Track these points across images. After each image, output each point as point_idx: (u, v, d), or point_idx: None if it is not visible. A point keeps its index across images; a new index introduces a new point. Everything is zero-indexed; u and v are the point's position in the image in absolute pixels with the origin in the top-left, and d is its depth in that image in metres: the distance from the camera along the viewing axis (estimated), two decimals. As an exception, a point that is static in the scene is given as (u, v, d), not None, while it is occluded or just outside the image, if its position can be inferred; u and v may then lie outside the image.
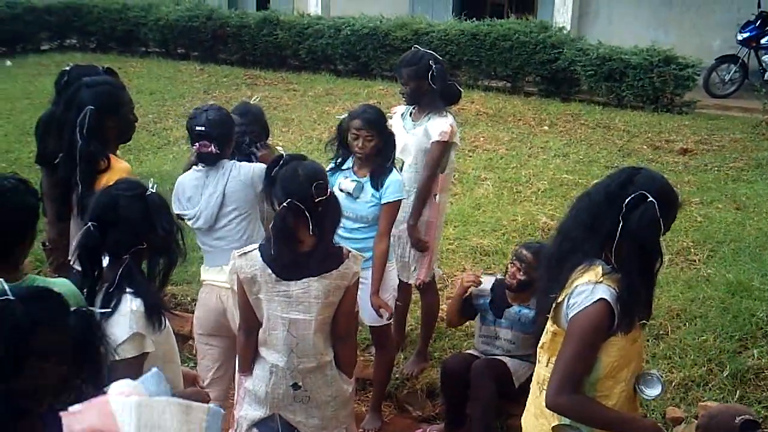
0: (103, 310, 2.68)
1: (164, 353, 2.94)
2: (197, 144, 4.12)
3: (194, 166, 4.29)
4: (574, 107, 12.22)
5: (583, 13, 16.01)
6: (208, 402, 3.24)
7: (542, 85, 13.51)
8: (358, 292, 3.75)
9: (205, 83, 14.01)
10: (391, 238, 4.61)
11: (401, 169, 4.87)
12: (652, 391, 2.92)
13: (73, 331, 2.07)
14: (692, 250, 6.56)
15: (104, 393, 1.93)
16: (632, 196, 2.69)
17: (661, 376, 2.99)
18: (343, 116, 4.59)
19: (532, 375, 3.15)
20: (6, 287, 2.03)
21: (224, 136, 4.16)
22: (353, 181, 4.45)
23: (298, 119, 11.25)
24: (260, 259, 3.40)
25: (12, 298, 2.01)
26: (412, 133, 4.98)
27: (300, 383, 3.52)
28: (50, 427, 1.90)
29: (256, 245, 3.49)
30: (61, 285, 2.71)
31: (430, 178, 4.92)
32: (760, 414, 4.31)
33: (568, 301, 2.77)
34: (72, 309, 2.12)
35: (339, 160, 4.60)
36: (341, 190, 4.41)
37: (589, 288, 2.72)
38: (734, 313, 5.34)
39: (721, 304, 5.48)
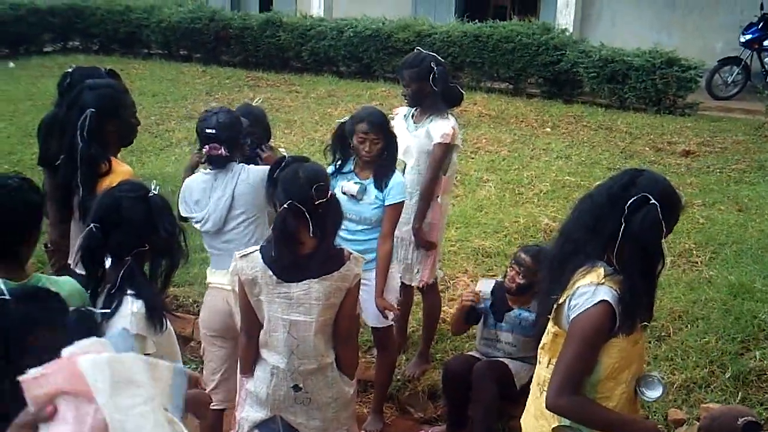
0: (103, 311, 2.68)
1: (166, 355, 2.94)
2: (207, 146, 4.11)
3: (202, 169, 4.28)
4: (576, 109, 12.23)
5: (585, 15, 16.01)
6: (210, 404, 3.27)
7: (545, 87, 13.52)
8: (361, 294, 3.75)
9: (207, 85, 14.03)
10: (394, 240, 4.60)
11: (403, 171, 4.87)
12: (653, 393, 2.92)
13: (71, 331, 2.06)
14: (694, 251, 6.56)
15: (67, 355, 1.77)
16: (635, 198, 2.69)
17: (663, 378, 2.99)
18: (343, 120, 4.58)
19: (533, 376, 3.15)
20: (3, 287, 2.03)
21: (234, 139, 4.15)
22: (356, 183, 4.45)
23: (300, 121, 11.26)
24: (261, 260, 3.40)
25: (8, 297, 2.01)
26: (414, 135, 4.98)
27: (301, 385, 3.52)
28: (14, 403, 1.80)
29: (257, 247, 3.49)
30: (67, 284, 2.72)
31: (432, 180, 4.92)
32: (762, 416, 4.31)
33: (569, 303, 2.77)
34: (71, 309, 2.12)
35: (339, 164, 4.59)
36: (344, 193, 4.40)
37: (590, 289, 2.71)
38: (736, 314, 5.33)
39: (723, 306, 5.47)
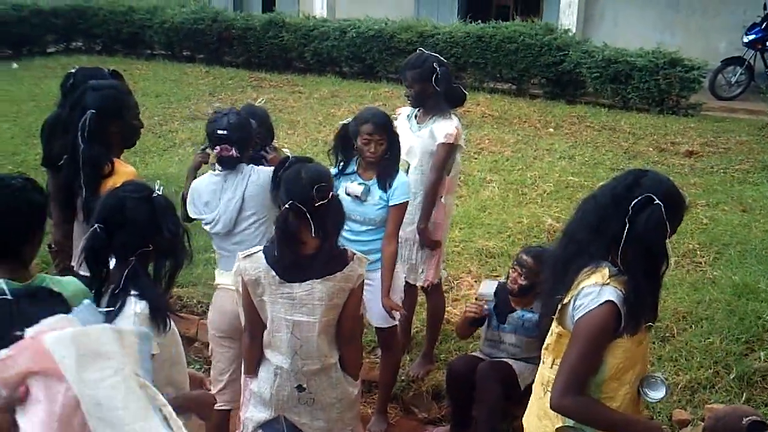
0: (105, 309, 2.67)
1: (170, 355, 2.94)
2: (218, 147, 4.10)
3: (211, 171, 4.26)
4: (579, 109, 12.22)
5: (588, 16, 16.00)
6: (213, 405, 3.27)
7: (548, 88, 13.51)
8: (366, 294, 3.74)
9: (210, 85, 14.04)
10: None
11: (407, 172, 4.87)
12: (656, 394, 2.92)
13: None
14: (698, 252, 6.56)
15: (32, 333, 1.74)
16: (639, 198, 2.68)
17: (666, 379, 2.99)
18: (346, 121, 4.58)
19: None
20: (5, 287, 2.03)
21: (244, 140, 4.15)
22: (360, 184, 4.44)
23: (303, 121, 11.26)
24: (264, 260, 3.40)
25: (10, 297, 2.00)
26: (418, 135, 4.97)
27: (304, 385, 3.52)
28: None
29: (260, 247, 3.49)
30: (70, 284, 2.72)
31: (437, 180, 4.92)
32: (767, 416, 4.30)
33: (574, 303, 2.77)
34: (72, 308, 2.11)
35: (341, 165, 4.58)
36: (348, 194, 4.40)
37: (595, 290, 2.71)
38: (740, 315, 5.33)
39: (728, 307, 5.47)
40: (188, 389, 3.12)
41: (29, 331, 1.68)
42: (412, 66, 4.95)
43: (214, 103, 12.11)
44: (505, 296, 4.64)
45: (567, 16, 15.25)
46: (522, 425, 3.19)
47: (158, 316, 2.74)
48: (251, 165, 4.20)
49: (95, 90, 3.99)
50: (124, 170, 3.92)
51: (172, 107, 12.16)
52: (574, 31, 14.47)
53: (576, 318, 2.75)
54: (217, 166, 4.25)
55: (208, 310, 5.80)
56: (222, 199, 4.16)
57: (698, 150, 9.89)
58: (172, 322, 2.88)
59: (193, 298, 6.07)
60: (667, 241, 2.73)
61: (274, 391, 3.54)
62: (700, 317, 5.39)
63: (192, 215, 4.24)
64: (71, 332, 1.67)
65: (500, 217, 7.47)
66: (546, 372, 2.96)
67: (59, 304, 2.13)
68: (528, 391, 3.23)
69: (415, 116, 5.08)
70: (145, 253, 2.81)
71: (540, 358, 3.07)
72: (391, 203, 4.41)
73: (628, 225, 2.68)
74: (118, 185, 3.11)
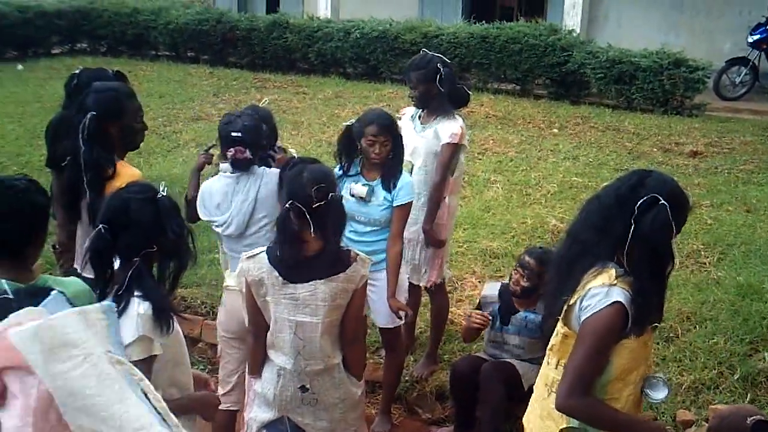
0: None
1: (173, 356, 2.94)
2: (233, 149, 4.08)
3: (221, 173, 4.25)
4: (583, 110, 12.21)
5: (592, 16, 15.99)
6: (218, 405, 3.27)
7: (552, 88, 13.50)
8: (371, 295, 3.74)
9: (214, 86, 14.04)
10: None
11: (410, 172, 4.87)
12: (658, 395, 2.92)
13: None
14: (702, 252, 6.54)
15: None
16: (644, 198, 2.68)
17: (668, 379, 2.99)
18: (349, 122, 4.58)
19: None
20: (6, 287, 2.03)
21: (257, 142, 4.15)
22: (364, 185, 4.45)
23: (307, 122, 11.26)
24: (267, 261, 3.41)
25: (11, 296, 2.01)
26: (422, 136, 4.98)
27: (307, 385, 3.52)
28: None
29: (264, 248, 3.50)
30: (74, 285, 2.72)
31: (442, 181, 4.92)
32: (771, 417, 4.30)
33: (580, 304, 2.77)
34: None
35: (345, 166, 4.58)
36: (352, 195, 4.40)
37: (603, 291, 2.71)
38: (745, 315, 5.32)
39: (732, 307, 5.46)
40: (192, 390, 3.12)
41: None
42: (416, 67, 4.96)
43: (217, 104, 12.17)
44: (509, 297, 4.64)
45: (571, 17, 15.23)
46: (522, 425, 3.19)
47: (162, 317, 2.74)
48: (263, 167, 4.20)
49: (96, 92, 4.00)
50: (129, 172, 3.93)
51: (176, 108, 12.16)
52: (578, 31, 14.45)
53: (583, 319, 2.74)
54: (221, 166, 4.24)
55: (212, 310, 5.86)
56: (234, 201, 4.14)
57: (702, 150, 9.87)
58: (176, 323, 2.89)
59: (197, 299, 6.08)
60: (673, 241, 2.73)
61: (277, 391, 3.54)
62: (704, 318, 5.38)
63: (203, 217, 4.23)
64: (34, 327, 1.65)
65: (504, 218, 7.47)
66: (551, 373, 2.95)
67: (61, 304, 2.13)
68: (532, 391, 3.22)
69: (419, 117, 5.08)
70: (149, 254, 2.82)
71: (543, 359, 3.08)
72: (395, 204, 4.42)
73: (633, 225, 2.68)
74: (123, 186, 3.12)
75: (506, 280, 4.89)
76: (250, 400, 3.71)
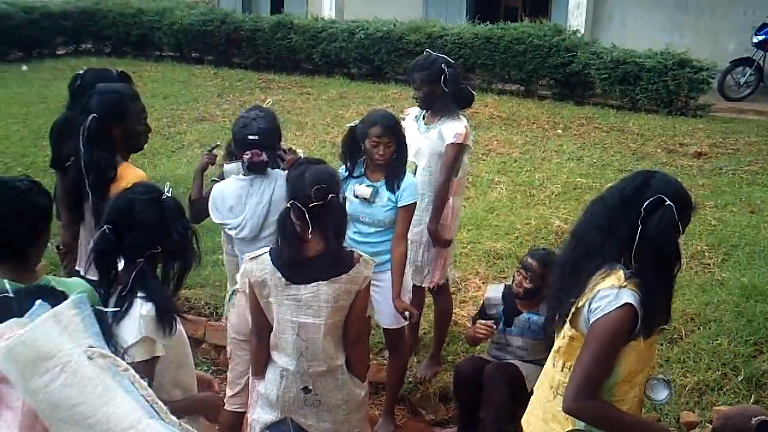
0: (111, 309, 2.68)
1: (177, 357, 2.95)
2: (249, 153, 4.05)
3: (233, 175, 4.22)
4: (587, 111, 12.21)
5: (597, 17, 15.97)
6: (221, 407, 3.28)
7: (556, 89, 13.49)
8: (375, 295, 3.73)
9: (219, 87, 14.06)
10: (405, 242, 4.60)
11: (414, 173, 4.87)
12: (659, 396, 2.92)
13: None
14: (706, 253, 6.54)
15: None
16: (651, 199, 2.68)
17: (671, 380, 2.99)
18: (353, 123, 4.58)
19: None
20: (7, 286, 2.03)
21: (273, 145, 4.14)
22: (368, 186, 4.45)
23: (311, 123, 11.27)
24: (270, 262, 3.41)
25: (12, 296, 2.01)
26: (426, 136, 4.98)
27: (310, 387, 3.52)
28: None
29: (267, 249, 3.50)
30: (77, 285, 2.73)
31: (446, 181, 4.92)
32: (775, 419, 4.29)
33: (589, 306, 2.75)
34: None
35: (349, 167, 4.58)
36: (356, 196, 4.40)
37: (613, 292, 2.70)
38: (749, 317, 5.31)
39: (736, 308, 5.45)
40: (196, 391, 3.13)
41: None
42: (421, 67, 4.95)
43: (222, 105, 12.18)
44: (512, 299, 4.64)
45: (575, 17, 15.23)
46: (520, 427, 3.18)
47: (165, 318, 2.75)
48: (276, 169, 4.18)
49: (99, 94, 4.01)
50: (133, 173, 3.92)
51: (181, 109, 12.17)
52: (582, 32, 14.45)
53: (592, 321, 2.73)
54: (225, 167, 4.24)
55: (215, 311, 5.86)
56: (248, 204, 4.11)
57: (707, 151, 9.86)
58: (179, 324, 2.89)
59: (200, 300, 6.08)
60: (680, 241, 2.73)
61: (280, 392, 3.54)
62: (708, 319, 5.38)
63: (215, 220, 4.21)
64: (6, 346, 1.59)
65: (508, 219, 7.46)
66: (556, 375, 2.93)
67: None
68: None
69: (423, 117, 5.08)
70: (153, 254, 2.83)
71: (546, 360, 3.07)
72: (399, 204, 4.42)
73: (640, 226, 2.68)
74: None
75: (509, 282, 4.89)
76: (253, 402, 3.71)
